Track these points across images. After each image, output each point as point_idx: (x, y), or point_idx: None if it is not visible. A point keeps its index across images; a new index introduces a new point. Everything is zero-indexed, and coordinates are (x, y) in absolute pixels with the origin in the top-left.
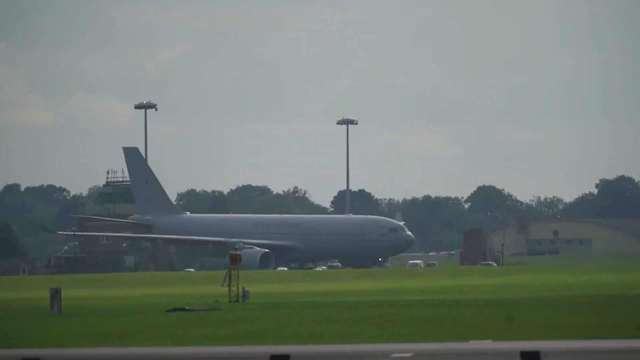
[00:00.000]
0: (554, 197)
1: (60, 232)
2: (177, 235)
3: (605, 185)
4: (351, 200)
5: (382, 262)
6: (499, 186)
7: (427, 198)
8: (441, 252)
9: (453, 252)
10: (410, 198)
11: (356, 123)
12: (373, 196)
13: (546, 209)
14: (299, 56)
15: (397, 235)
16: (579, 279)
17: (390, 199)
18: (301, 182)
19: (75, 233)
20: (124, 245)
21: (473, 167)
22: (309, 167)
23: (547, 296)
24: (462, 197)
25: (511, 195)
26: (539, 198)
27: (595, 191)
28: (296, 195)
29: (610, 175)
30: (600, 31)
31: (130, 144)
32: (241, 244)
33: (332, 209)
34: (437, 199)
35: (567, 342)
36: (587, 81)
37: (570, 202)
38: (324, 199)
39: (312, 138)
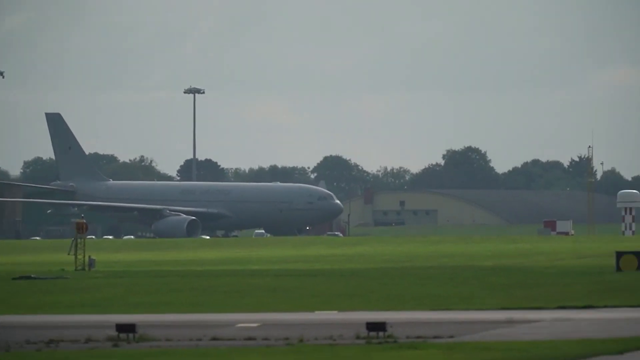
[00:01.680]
0: (400, 167)
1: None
2: (102, 202)
3: (451, 156)
4: (197, 169)
5: (309, 231)
6: (345, 156)
7: (273, 168)
8: None
9: None
10: (257, 168)
11: (203, 92)
12: (219, 165)
13: (393, 180)
14: (145, 24)
15: (325, 203)
16: (425, 249)
17: (237, 169)
18: (148, 151)
19: None
20: (49, 211)
21: (320, 137)
22: (155, 136)
23: (393, 267)
24: (309, 167)
25: (358, 166)
26: (386, 168)
27: (442, 162)
28: (142, 164)
29: (457, 146)
30: (439, 3)
31: None
32: (167, 211)
33: (178, 178)
34: (284, 168)
35: (413, 312)
36: (433, 51)
37: (417, 173)
38: (171, 167)
39: (159, 106)
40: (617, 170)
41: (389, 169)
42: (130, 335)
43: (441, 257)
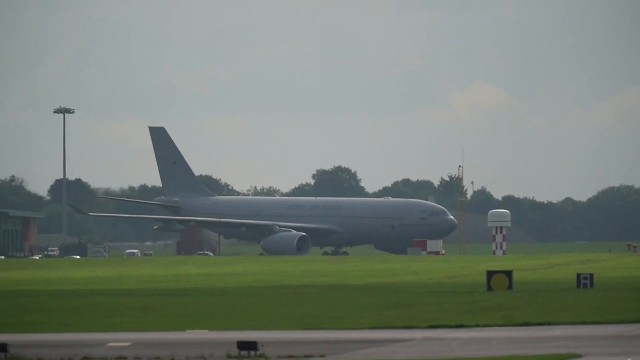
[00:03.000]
0: (270, 187)
1: (92, 214)
2: (208, 218)
3: (321, 176)
4: (67, 189)
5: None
6: (215, 176)
7: (143, 187)
8: (158, 242)
9: (170, 241)
10: (127, 187)
11: (73, 112)
12: (89, 185)
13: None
14: (10, 44)
15: (438, 218)
16: (296, 268)
17: (107, 188)
18: (18, 170)
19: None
20: (155, 227)
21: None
22: (25, 156)
23: (263, 286)
24: None
25: (228, 185)
26: (256, 188)
27: (312, 182)
28: (13, 183)
29: (327, 166)
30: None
31: None
32: (277, 227)
33: (49, 198)
34: (154, 187)
35: (284, 332)
36: (302, 71)
37: (287, 192)
38: (42, 188)
39: (29, 126)
40: (487, 189)
41: (259, 189)
42: (2, 354)
43: (312, 276)
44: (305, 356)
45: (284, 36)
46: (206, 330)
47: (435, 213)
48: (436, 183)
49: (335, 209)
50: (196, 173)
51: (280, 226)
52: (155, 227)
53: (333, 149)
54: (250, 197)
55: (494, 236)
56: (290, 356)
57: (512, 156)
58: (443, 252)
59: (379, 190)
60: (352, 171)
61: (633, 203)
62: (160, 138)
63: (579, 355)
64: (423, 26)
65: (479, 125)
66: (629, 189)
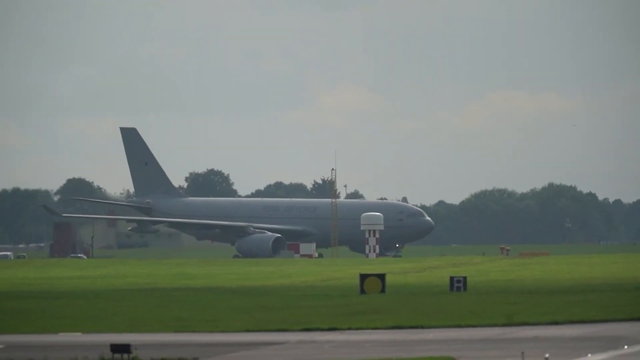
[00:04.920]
0: None
1: (65, 215)
2: (182, 219)
3: (194, 179)
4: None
5: (399, 249)
6: (88, 179)
7: (16, 190)
8: (31, 245)
9: (42, 244)
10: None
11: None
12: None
13: (134, 203)
14: None
15: (416, 220)
16: (168, 271)
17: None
18: None
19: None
20: (129, 229)
21: (61, 160)
22: None
23: (136, 289)
24: (52, 190)
25: (101, 189)
26: (128, 191)
27: (185, 185)
28: None
29: (200, 169)
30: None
31: None
32: (251, 228)
33: None
34: (27, 191)
35: (157, 334)
36: (168, 74)
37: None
38: None
39: None
40: (361, 192)
41: (131, 192)
42: None
43: (185, 279)
44: (178, 359)
45: (147, 37)
46: (79, 333)
47: (413, 214)
48: (309, 186)
49: (311, 210)
50: (69, 176)
51: (254, 227)
52: (129, 228)
53: (206, 152)
54: (224, 198)
55: (367, 239)
56: (163, 359)
57: (384, 159)
58: (316, 255)
59: (252, 194)
60: (225, 174)
61: (506, 206)
62: (131, 139)
63: (453, 358)
64: (290, 28)
65: (352, 127)
66: (502, 192)
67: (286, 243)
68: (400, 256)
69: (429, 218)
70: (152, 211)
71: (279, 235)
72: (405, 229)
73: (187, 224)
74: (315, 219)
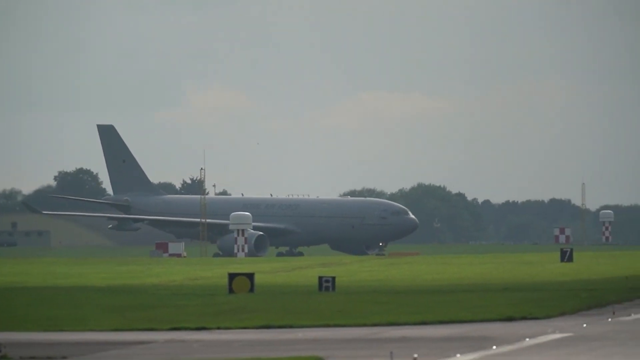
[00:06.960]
0: (12, 188)
1: (46, 212)
2: (162, 217)
3: (63, 177)
4: None
5: (382, 247)
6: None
7: None
8: None
9: None
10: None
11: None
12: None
13: (5, 201)
14: None
15: (399, 218)
16: (39, 270)
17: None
18: None
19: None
20: (110, 227)
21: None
22: None
23: (4, 287)
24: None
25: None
26: (5, 190)
27: (54, 184)
28: None
29: (69, 168)
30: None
31: None
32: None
33: None
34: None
35: (26, 333)
36: (35, 71)
37: (29, 194)
38: None
39: None
40: (229, 192)
41: (1, 190)
42: None
43: (54, 278)
44: (48, 357)
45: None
46: None
47: (397, 212)
48: (178, 185)
49: (293, 208)
50: None
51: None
52: (110, 226)
53: (75, 151)
54: (204, 196)
55: (236, 238)
56: (32, 357)
57: (253, 158)
58: (185, 254)
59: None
60: (94, 173)
61: None
62: (109, 136)
63: (322, 358)
64: (158, 26)
65: (220, 127)
66: (371, 192)
67: (268, 241)
68: (383, 254)
69: (413, 216)
70: (130, 209)
71: (261, 233)
72: (388, 227)
73: (168, 221)
74: (297, 217)
